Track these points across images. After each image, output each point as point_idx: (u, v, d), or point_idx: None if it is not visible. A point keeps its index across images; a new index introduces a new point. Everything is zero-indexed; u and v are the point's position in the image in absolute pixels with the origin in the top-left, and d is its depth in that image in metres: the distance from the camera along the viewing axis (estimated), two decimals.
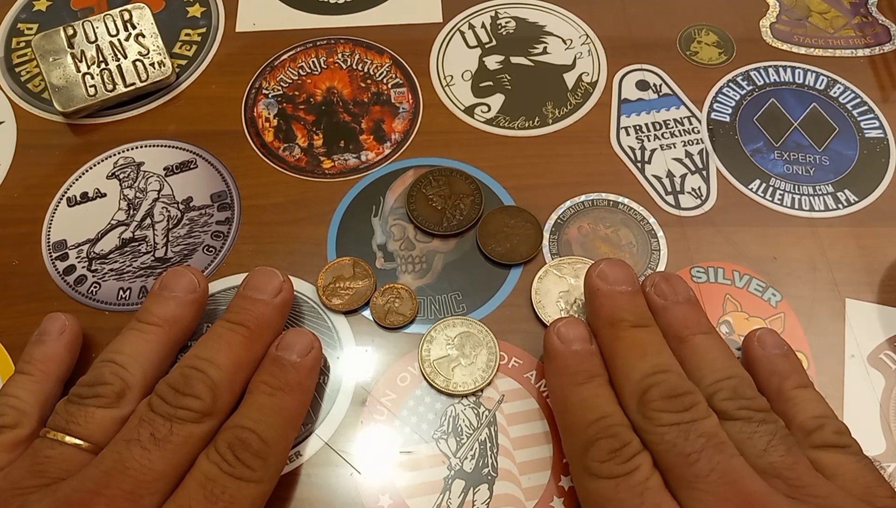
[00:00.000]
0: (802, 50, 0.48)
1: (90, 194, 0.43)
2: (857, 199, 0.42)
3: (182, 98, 0.47)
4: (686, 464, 0.28)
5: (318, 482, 0.35)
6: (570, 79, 0.47)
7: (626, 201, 0.42)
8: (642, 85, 0.47)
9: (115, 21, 0.47)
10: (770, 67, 0.47)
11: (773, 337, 0.34)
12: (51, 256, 0.41)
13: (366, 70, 0.48)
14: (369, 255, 0.41)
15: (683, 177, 0.43)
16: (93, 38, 0.46)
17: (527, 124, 0.45)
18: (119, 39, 0.46)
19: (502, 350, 0.37)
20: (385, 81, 0.47)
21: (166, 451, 0.29)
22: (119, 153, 0.45)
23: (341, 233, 0.42)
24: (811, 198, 0.42)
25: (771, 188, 0.43)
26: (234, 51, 0.49)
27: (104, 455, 0.29)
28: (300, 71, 0.48)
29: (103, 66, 0.46)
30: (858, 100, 0.46)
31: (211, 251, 0.41)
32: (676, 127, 0.45)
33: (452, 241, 0.41)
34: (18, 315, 0.39)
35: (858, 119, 0.45)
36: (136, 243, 0.42)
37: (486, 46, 0.49)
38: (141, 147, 0.45)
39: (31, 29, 0.50)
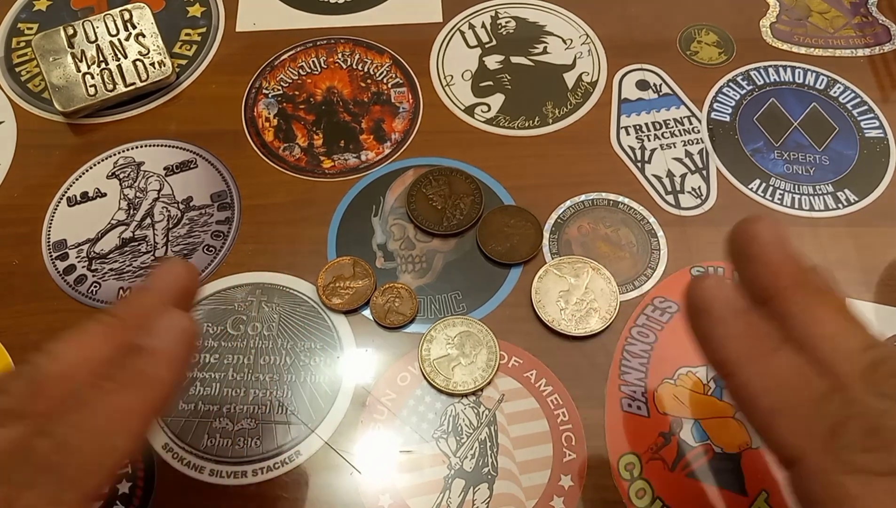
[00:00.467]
0: (802, 50, 0.48)
1: (90, 194, 0.43)
2: (857, 199, 0.42)
3: (182, 98, 0.47)
4: None
5: (318, 482, 0.35)
6: (570, 79, 0.47)
7: (626, 200, 0.42)
8: (642, 85, 0.47)
9: (115, 21, 0.47)
10: (770, 66, 0.47)
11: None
12: (51, 255, 0.41)
13: (366, 70, 0.48)
14: (369, 254, 0.41)
15: (683, 176, 0.43)
16: (93, 38, 0.46)
17: (527, 124, 0.45)
18: (119, 39, 0.46)
19: (502, 350, 0.37)
20: (385, 80, 0.47)
21: None
22: (119, 153, 0.45)
23: (341, 233, 0.42)
24: (811, 198, 0.42)
25: (771, 188, 0.43)
26: (234, 51, 0.49)
27: None
28: (300, 71, 0.48)
29: (103, 65, 0.46)
30: (858, 100, 0.46)
31: (211, 251, 0.41)
32: (676, 127, 0.45)
33: (452, 240, 0.41)
34: (18, 315, 0.39)
35: (858, 119, 0.45)
36: (136, 243, 0.42)
37: (487, 46, 0.49)
38: (141, 147, 0.45)
39: (31, 29, 0.50)
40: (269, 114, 0.46)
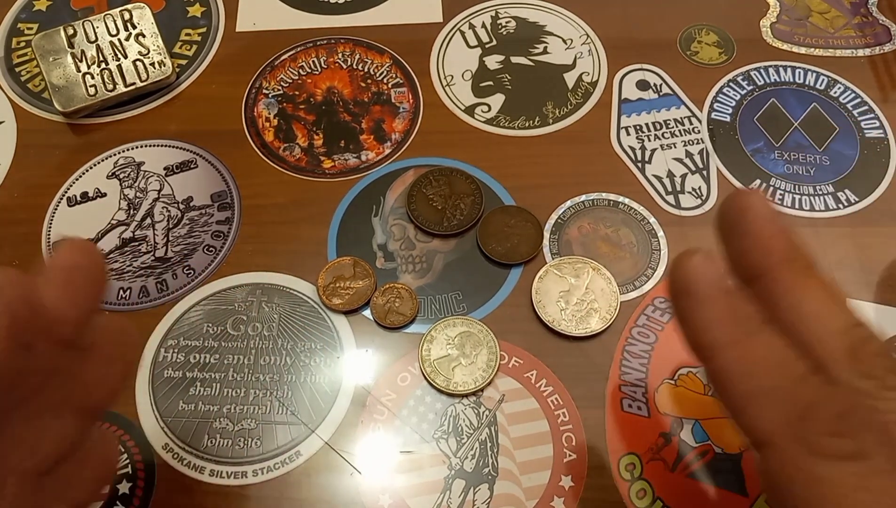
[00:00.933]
0: (803, 50, 0.48)
1: (90, 194, 0.43)
2: (857, 199, 0.42)
3: (182, 98, 0.47)
4: None
5: (318, 482, 0.35)
6: (570, 79, 0.47)
7: (626, 200, 0.42)
8: (643, 85, 0.47)
9: (115, 21, 0.47)
10: (770, 66, 0.47)
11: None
12: (51, 256, 0.41)
13: (366, 70, 0.48)
14: (369, 255, 0.41)
15: (684, 177, 0.43)
16: (93, 38, 0.46)
17: (527, 124, 0.45)
18: (119, 39, 0.46)
19: (502, 350, 0.37)
20: (385, 80, 0.47)
21: None
22: (119, 153, 0.45)
23: (341, 233, 0.42)
24: (811, 198, 0.42)
25: (771, 188, 0.43)
26: (234, 51, 0.49)
27: None
28: (300, 71, 0.48)
29: (103, 65, 0.46)
30: (858, 100, 0.46)
31: (211, 251, 0.41)
32: (677, 127, 0.45)
33: (453, 241, 0.41)
34: None
35: (859, 119, 0.45)
36: (137, 243, 0.42)
37: (487, 46, 0.49)
38: (141, 147, 0.45)
39: (31, 29, 0.50)
40: (270, 114, 0.46)
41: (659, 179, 0.43)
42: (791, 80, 0.47)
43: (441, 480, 0.34)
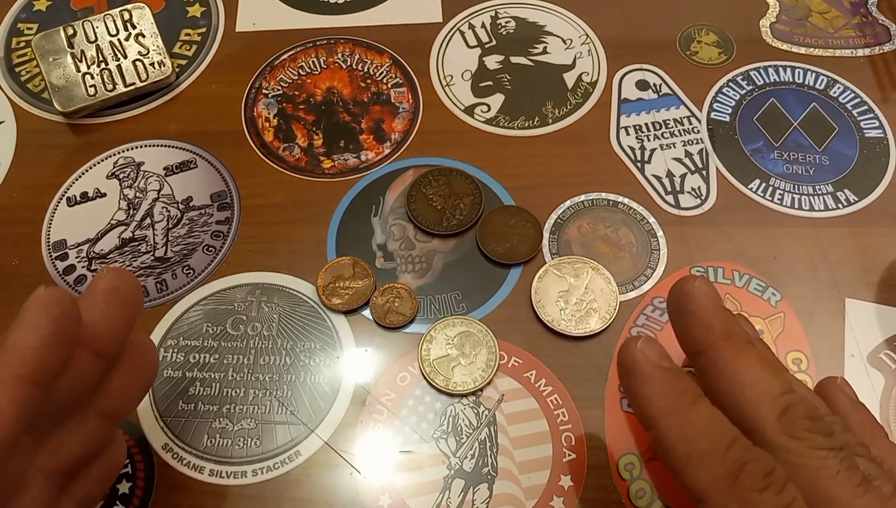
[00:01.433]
0: (802, 50, 0.48)
1: (90, 194, 0.43)
2: (856, 199, 0.42)
3: (182, 98, 0.47)
4: (854, 495, 0.25)
5: (318, 482, 0.35)
6: (570, 79, 0.47)
7: (625, 200, 0.42)
8: (642, 85, 0.47)
9: (115, 21, 0.47)
10: (770, 66, 0.47)
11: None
12: (51, 256, 0.41)
13: (366, 70, 0.48)
14: (369, 255, 0.41)
15: (683, 176, 0.43)
16: (93, 38, 0.46)
17: (527, 124, 0.45)
18: (119, 39, 0.46)
19: (502, 350, 0.37)
20: (385, 80, 0.47)
21: None
22: (119, 153, 0.45)
23: (341, 233, 0.42)
24: (811, 198, 0.42)
25: (771, 188, 0.43)
26: (234, 51, 0.49)
27: None
28: (300, 71, 0.48)
29: (103, 65, 0.46)
30: (858, 100, 0.46)
31: (211, 251, 0.41)
32: (676, 127, 0.45)
33: (452, 241, 0.41)
34: None
35: (858, 119, 0.45)
36: (136, 243, 0.42)
37: (486, 46, 0.49)
38: (141, 147, 0.45)
39: (31, 29, 0.50)
40: (269, 114, 0.46)
41: (658, 178, 0.43)
42: (791, 80, 0.47)
43: (440, 480, 0.34)
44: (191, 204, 0.43)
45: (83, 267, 0.41)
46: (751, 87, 0.47)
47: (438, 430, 0.36)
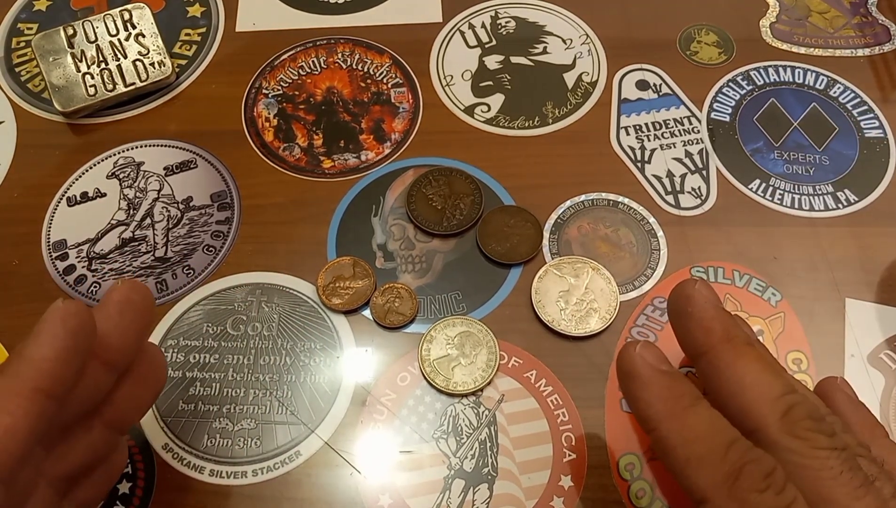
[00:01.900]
0: (802, 50, 0.48)
1: (90, 194, 0.43)
2: (857, 199, 0.42)
3: (182, 98, 0.47)
4: (855, 497, 0.25)
5: (318, 482, 0.35)
6: (570, 79, 0.47)
7: (626, 200, 0.42)
8: (642, 85, 0.47)
9: (115, 21, 0.47)
10: (770, 66, 0.47)
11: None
12: (51, 255, 0.41)
13: (366, 70, 0.48)
14: (369, 254, 0.41)
15: (683, 176, 0.43)
16: (93, 38, 0.46)
17: (527, 124, 0.45)
18: (119, 39, 0.46)
19: (502, 350, 0.37)
20: (385, 80, 0.47)
21: None
22: (119, 153, 0.45)
23: (341, 233, 0.42)
24: (811, 198, 0.42)
25: (771, 188, 0.43)
26: (234, 51, 0.49)
27: None
28: (300, 71, 0.48)
29: (103, 65, 0.46)
30: (858, 100, 0.46)
31: (211, 251, 0.41)
32: (676, 127, 0.45)
33: (452, 241, 0.41)
34: (18, 315, 0.39)
35: (858, 119, 0.45)
36: (136, 243, 0.42)
37: (486, 46, 0.49)
38: (141, 147, 0.45)
39: (31, 29, 0.50)
40: (269, 114, 0.46)
41: (658, 178, 0.43)
42: (791, 80, 0.47)
43: (441, 480, 0.34)
44: (191, 204, 0.43)
45: (83, 267, 0.41)
46: (751, 87, 0.47)
47: (438, 430, 0.36)
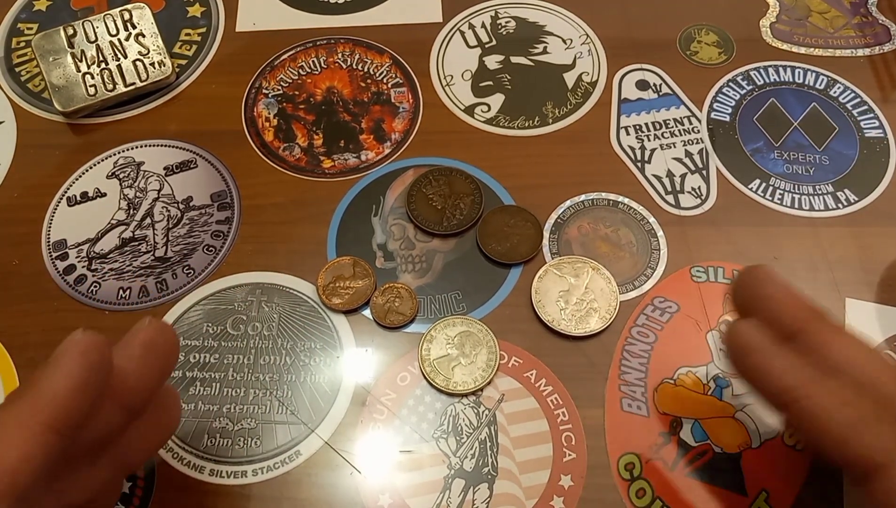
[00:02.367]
0: (802, 50, 0.48)
1: (90, 194, 0.43)
2: (856, 198, 0.42)
3: (182, 98, 0.47)
4: None
5: (318, 481, 0.35)
6: (570, 78, 0.47)
7: (625, 200, 0.42)
8: (642, 85, 0.47)
9: (115, 21, 0.47)
10: (770, 66, 0.47)
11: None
12: (51, 255, 0.41)
13: (366, 70, 0.48)
14: (369, 254, 0.41)
15: (683, 176, 0.43)
16: (93, 38, 0.46)
17: (527, 124, 0.45)
18: (119, 39, 0.46)
19: (502, 350, 0.37)
20: (385, 80, 0.47)
21: None
22: (119, 153, 0.45)
23: (341, 232, 0.42)
24: (811, 198, 0.42)
25: (771, 188, 0.43)
26: (234, 51, 0.49)
27: None
28: (300, 71, 0.48)
29: (103, 65, 0.46)
30: (858, 100, 0.46)
31: (211, 251, 0.41)
32: (676, 127, 0.45)
33: (452, 240, 0.41)
34: (18, 315, 0.39)
35: (858, 119, 0.45)
36: (136, 243, 0.42)
37: (486, 46, 0.49)
38: (141, 147, 0.45)
39: (31, 29, 0.50)
40: (269, 114, 0.46)
41: (658, 178, 0.43)
42: (791, 79, 0.47)
43: (441, 479, 0.34)
44: (191, 204, 0.43)
45: (83, 267, 0.41)
46: (751, 87, 0.47)
47: (439, 430, 0.36)
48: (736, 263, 0.40)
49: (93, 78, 0.46)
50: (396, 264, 0.40)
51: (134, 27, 0.47)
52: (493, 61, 0.48)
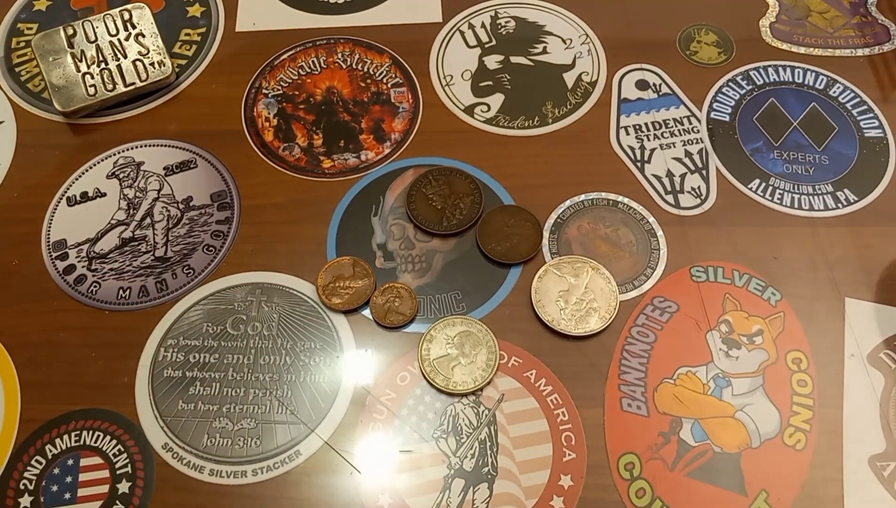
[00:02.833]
0: (802, 50, 0.48)
1: (90, 194, 0.43)
2: (856, 198, 0.42)
3: (182, 98, 0.47)
4: None
5: (318, 481, 0.35)
6: (569, 78, 0.47)
7: (625, 200, 0.42)
8: (642, 84, 0.47)
9: (115, 21, 0.47)
10: (770, 66, 0.47)
11: None
12: (51, 255, 0.41)
13: (366, 70, 0.48)
14: (369, 254, 0.41)
15: (683, 176, 0.43)
16: (93, 38, 0.46)
17: (527, 124, 0.45)
18: (119, 39, 0.46)
19: (502, 350, 0.37)
20: (385, 80, 0.47)
21: None
22: (119, 153, 0.45)
23: (341, 232, 0.42)
24: (811, 197, 0.42)
25: (771, 188, 0.43)
26: (234, 50, 0.49)
27: None
28: (300, 71, 0.48)
29: (103, 65, 0.46)
30: (858, 99, 0.46)
31: (211, 251, 0.41)
32: (676, 126, 0.45)
33: (452, 240, 0.41)
34: (18, 315, 0.39)
35: (858, 119, 0.45)
36: (136, 243, 0.42)
37: (486, 46, 0.49)
38: (141, 147, 0.45)
39: (31, 29, 0.50)
40: (269, 114, 0.46)
41: (658, 178, 0.43)
42: (790, 79, 0.47)
43: (441, 479, 0.34)
44: (191, 204, 0.43)
45: (83, 267, 0.41)
46: (751, 86, 0.47)
47: (438, 430, 0.36)
48: (736, 263, 0.40)
49: (93, 78, 0.46)
50: (396, 264, 0.40)
51: (134, 27, 0.47)
52: (492, 61, 0.48)
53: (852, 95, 0.46)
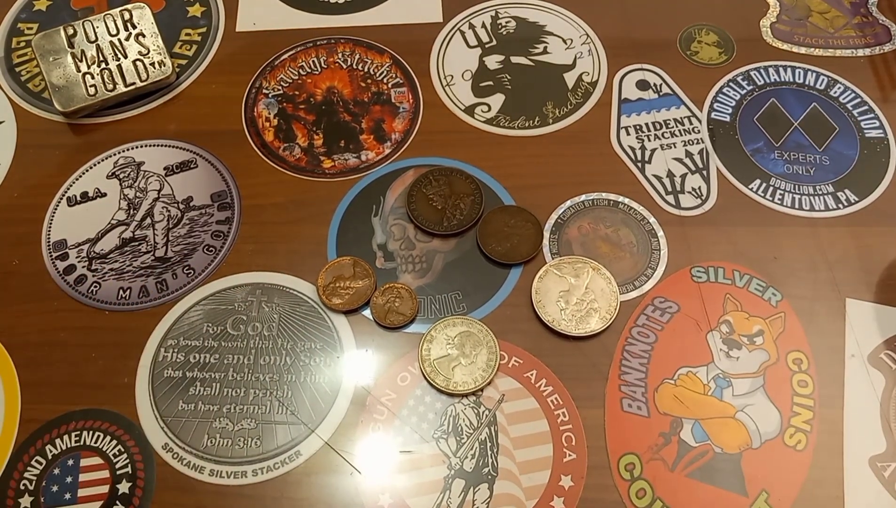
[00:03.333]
0: (802, 50, 0.48)
1: (90, 194, 0.43)
2: (857, 199, 0.42)
3: (182, 98, 0.47)
4: None
5: (318, 482, 0.35)
6: (570, 79, 0.47)
7: (626, 200, 0.42)
8: (642, 85, 0.47)
9: (115, 21, 0.47)
10: (770, 66, 0.47)
11: None
12: (51, 255, 0.41)
13: (366, 70, 0.48)
14: (369, 254, 0.41)
15: (684, 176, 0.43)
16: (93, 38, 0.46)
17: (527, 124, 0.45)
18: (119, 39, 0.46)
19: (502, 350, 0.37)
20: (385, 80, 0.47)
21: None
22: (119, 153, 0.45)
23: (341, 233, 0.42)
24: (811, 198, 0.42)
25: (771, 188, 0.43)
26: (234, 51, 0.49)
27: None
28: (300, 71, 0.48)
29: (103, 65, 0.46)
30: (858, 100, 0.46)
31: (211, 251, 0.41)
32: (677, 127, 0.45)
33: (452, 240, 0.41)
34: (18, 315, 0.39)
35: (858, 119, 0.45)
36: (137, 243, 0.42)
37: (487, 46, 0.49)
38: (141, 147, 0.45)
39: (31, 29, 0.50)
40: (269, 114, 0.46)
41: (659, 178, 0.43)
42: (791, 80, 0.47)
43: (441, 480, 0.34)
44: (191, 204, 0.43)
45: (83, 267, 0.41)
46: (751, 87, 0.47)
47: (439, 430, 0.36)
48: (736, 263, 0.40)
49: (93, 78, 0.46)
50: (396, 264, 0.40)
51: (134, 27, 0.47)
52: (493, 61, 0.48)
53: (853, 95, 0.46)
